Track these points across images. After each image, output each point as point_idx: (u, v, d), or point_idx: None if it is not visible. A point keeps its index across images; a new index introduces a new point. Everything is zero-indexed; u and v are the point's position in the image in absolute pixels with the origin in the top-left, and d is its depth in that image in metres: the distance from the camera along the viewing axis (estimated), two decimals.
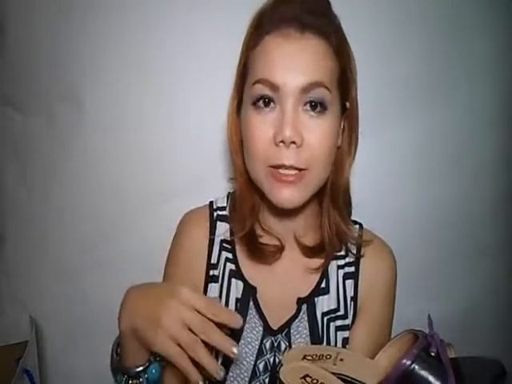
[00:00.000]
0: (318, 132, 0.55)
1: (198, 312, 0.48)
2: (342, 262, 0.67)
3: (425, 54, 0.90)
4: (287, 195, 0.56)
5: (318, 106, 0.55)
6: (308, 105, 0.55)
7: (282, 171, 0.56)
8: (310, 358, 0.54)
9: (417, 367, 0.50)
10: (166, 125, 0.88)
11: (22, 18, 0.86)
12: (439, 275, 0.98)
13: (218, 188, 0.81)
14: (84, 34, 0.85)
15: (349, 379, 0.52)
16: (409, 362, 0.49)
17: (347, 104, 0.61)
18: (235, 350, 0.47)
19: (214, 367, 0.47)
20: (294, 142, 0.54)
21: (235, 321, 0.49)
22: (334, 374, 0.51)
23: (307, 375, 0.50)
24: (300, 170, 0.56)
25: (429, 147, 0.94)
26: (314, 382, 0.50)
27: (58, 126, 0.89)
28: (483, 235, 0.99)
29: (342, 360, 0.54)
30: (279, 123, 0.54)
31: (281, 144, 0.54)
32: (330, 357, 0.55)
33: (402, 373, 0.49)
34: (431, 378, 0.49)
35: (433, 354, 0.50)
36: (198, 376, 0.47)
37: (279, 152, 0.55)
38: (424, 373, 0.50)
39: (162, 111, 0.87)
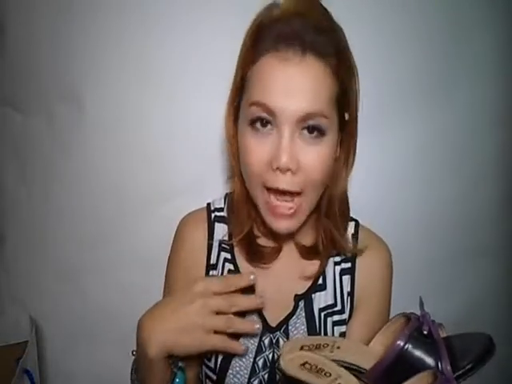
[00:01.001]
0: (314, 157, 0.55)
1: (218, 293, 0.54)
2: (338, 259, 0.68)
3: (425, 53, 0.89)
4: (282, 226, 0.58)
5: (315, 131, 0.55)
6: (305, 130, 0.55)
7: (277, 199, 0.56)
8: (307, 348, 0.55)
9: (410, 347, 0.52)
10: (165, 125, 0.88)
11: (22, 17, 0.85)
12: (440, 275, 0.98)
13: (217, 188, 0.81)
14: (84, 33, 0.85)
15: (346, 365, 0.54)
16: (402, 343, 0.52)
17: (346, 115, 0.59)
18: (260, 300, 0.55)
19: (253, 327, 0.55)
20: (289, 169, 0.54)
21: (247, 280, 0.55)
22: (332, 360, 0.53)
23: (306, 362, 0.52)
24: (294, 193, 0.56)
25: (429, 148, 0.94)
26: (313, 367, 0.51)
27: (57, 125, 0.88)
28: (484, 236, 0.99)
29: (338, 348, 0.56)
30: (276, 149, 0.54)
31: (277, 170, 0.54)
32: (327, 345, 0.56)
33: (397, 354, 0.51)
34: (425, 356, 0.51)
35: (425, 332, 0.52)
36: (242, 346, 0.55)
37: (275, 176, 0.55)
38: (418, 352, 0.52)
39: (161, 111, 0.87)
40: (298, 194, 0.56)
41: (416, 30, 0.88)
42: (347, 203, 0.66)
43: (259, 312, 0.64)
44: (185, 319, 0.52)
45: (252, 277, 0.55)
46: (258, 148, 0.55)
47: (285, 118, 0.53)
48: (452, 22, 0.89)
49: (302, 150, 0.54)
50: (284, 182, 0.55)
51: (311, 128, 0.54)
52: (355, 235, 0.68)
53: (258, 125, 0.55)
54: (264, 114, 0.54)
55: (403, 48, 0.89)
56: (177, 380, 0.56)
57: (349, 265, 0.67)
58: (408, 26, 0.88)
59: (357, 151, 0.66)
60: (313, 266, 0.66)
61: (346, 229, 0.67)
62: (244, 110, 0.58)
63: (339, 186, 0.62)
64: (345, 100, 0.58)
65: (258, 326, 0.55)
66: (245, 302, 0.55)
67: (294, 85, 0.53)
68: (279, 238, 0.66)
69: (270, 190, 0.56)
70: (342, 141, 0.61)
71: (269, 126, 0.55)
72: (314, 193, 0.58)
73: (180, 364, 0.57)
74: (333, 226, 0.64)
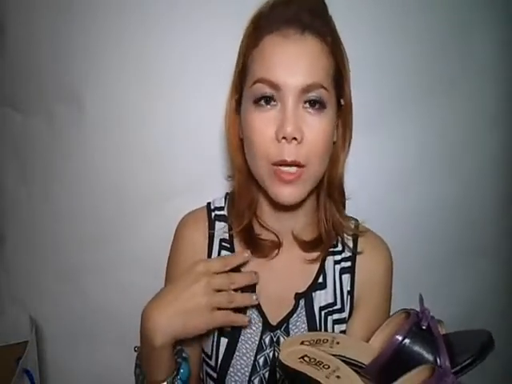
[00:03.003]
0: (316, 128, 0.57)
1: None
2: (338, 258, 0.68)
3: (424, 53, 0.90)
4: (287, 193, 0.59)
5: (316, 104, 0.57)
6: (308, 103, 0.57)
7: (283, 169, 0.57)
8: (307, 343, 0.55)
9: (409, 341, 0.52)
10: (165, 125, 0.88)
11: (22, 17, 0.86)
12: (440, 275, 0.98)
13: (217, 187, 0.81)
14: (84, 34, 0.85)
15: (345, 360, 0.54)
16: (401, 338, 0.52)
17: (342, 101, 0.62)
18: (255, 276, 0.62)
19: (252, 299, 0.61)
20: (295, 138, 0.56)
21: (243, 257, 0.62)
22: (331, 355, 0.52)
23: (305, 355, 0.52)
24: (299, 166, 0.57)
25: (429, 147, 0.94)
26: (312, 360, 0.51)
27: (57, 126, 0.89)
28: (484, 235, 1.00)
29: (338, 343, 0.57)
30: (281, 120, 0.56)
31: (282, 140, 0.56)
32: (327, 341, 0.57)
33: (396, 348, 0.52)
34: (424, 351, 0.52)
35: (424, 327, 0.53)
36: (244, 317, 0.60)
37: (281, 148, 0.56)
38: (416, 347, 0.52)
39: (161, 111, 0.87)
40: (302, 166, 0.58)
41: (415, 29, 0.88)
42: (343, 190, 0.68)
43: (260, 310, 0.65)
44: (191, 301, 0.55)
45: (246, 254, 0.62)
46: (263, 123, 0.57)
47: (288, 91, 0.56)
48: (451, 22, 0.90)
49: (306, 122, 0.57)
50: (289, 153, 0.56)
51: (313, 101, 0.57)
52: (355, 234, 0.68)
53: (262, 102, 0.57)
54: (268, 90, 0.57)
55: (402, 48, 0.89)
56: (181, 370, 0.57)
57: (349, 264, 0.68)
58: (407, 25, 0.88)
59: (356, 151, 0.67)
60: (313, 263, 0.66)
61: (344, 212, 0.69)
62: (247, 91, 0.60)
63: (338, 169, 0.65)
64: (340, 82, 0.61)
65: (255, 297, 0.61)
66: (242, 278, 0.60)
67: (295, 59, 0.56)
68: (280, 231, 0.67)
69: (276, 165, 0.58)
70: (338, 127, 0.64)
71: (272, 102, 0.57)
72: (316, 166, 0.59)
73: (184, 354, 0.58)
74: (334, 208, 0.66)
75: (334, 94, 0.60)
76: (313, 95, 0.57)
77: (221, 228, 0.69)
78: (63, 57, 0.86)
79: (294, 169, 0.57)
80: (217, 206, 0.71)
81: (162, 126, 0.88)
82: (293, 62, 0.56)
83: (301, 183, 0.59)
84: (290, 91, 0.56)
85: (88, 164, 0.89)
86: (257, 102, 0.58)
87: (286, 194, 0.58)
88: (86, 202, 0.91)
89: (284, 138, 0.56)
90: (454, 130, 0.94)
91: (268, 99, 0.57)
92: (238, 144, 0.64)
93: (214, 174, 0.87)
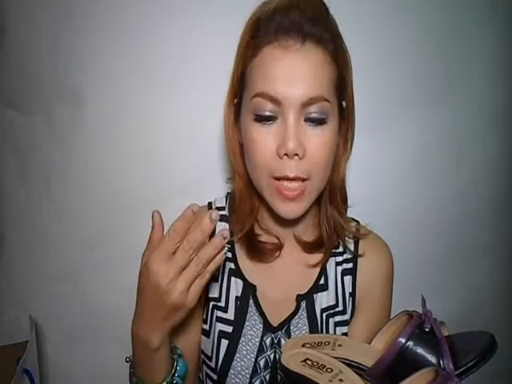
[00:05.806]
0: (319, 142, 0.56)
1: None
2: (340, 259, 0.68)
3: (424, 54, 0.90)
4: (290, 209, 0.58)
5: (319, 117, 0.56)
6: (309, 116, 0.56)
7: (285, 184, 0.56)
8: (309, 345, 0.55)
9: (412, 344, 0.52)
10: (165, 125, 0.88)
11: (22, 18, 0.86)
12: (439, 275, 0.98)
13: (217, 188, 0.81)
14: (84, 34, 0.85)
15: (348, 362, 0.53)
16: (404, 340, 0.52)
17: (344, 103, 0.61)
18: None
19: (220, 236, 0.48)
20: (296, 154, 0.55)
21: (192, 210, 0.48)
22: (333, 358, 0.52)
23: (307, 358, 0.52)
24: (302, 180, 0.56)
25: (428, 147, 0.94)
26: (315, 363, 0.51)
27: (58, 125, 0.89)
28: (483, 235, 1.00)
29: (340, 345, 0.56)
30: (282, 136, 0.55)
31: (284, 156, 0.55)
32: (329, 343, 0.56)
33: (398, 351, 0.51)
34: (427, 353, 0.51)
35: (427, 329, 0.53)
36: (218, 238, 0.48)
37: (282, 164, 0.55)
38: (419, 349, 0.52)
39: (161, 112, 0.87)
40: (305, 180, 0.57)
41: (415, 32, 0.89)
42: (345, 191, 0.67)
43: (260, 312, 0.64)
44: (166, 302, 0.50)
45: (194, 209, 0.48)
46: (264, 138, 0.56)
47: (289, 105, 0.54)
48: (451, 25, 0.90)
49: (307, 136, 0.55)
50: (291, 168, 0.55)
51: (315, 114, 0.55)
52: (356, 235, 0.68)
53: (263, 119, 0.56)
54: (268, 104, 0.55)
55: (402, 50, 0.89)
56: (178, 367, 0.57)
57: (350, 265, 0.67)
58: (407, 28, 0.88)
59: (357, 153, 0.67)
60: (315, 264, 0.66)
61: (346, 215, 0.68)
62: (247, 104, 0.58)
63: (339, 172, 0.64)
64: (342, 87, 0.59)
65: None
66: (203, 227, 0.48)
67: (295, 71, 0.54)
68: (281, 233, 0.66)
69: (277, 179, 0.57)
70: (340, 129, 0.62)
71: (273, 119, 0.56)
72: (319, 178, 0.58)
73: (178, 351, 0.58)
74: (336, 211, 0.65)
75: (337, 101, 0.58)
76: (314, 112, 0.55)
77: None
78: (63, 57, 0.86)
79: (296, 184, 0.56)
80: (218, 206, 0.71)
81: (162, 126, 0.88)
82: (293, 75, 0.54)
83: (303, 198, 0.58)
84: (291, 105, 0.54)
85: (88, 164, 0.89)
86: (257, 118, 0.56)
87: (289, 210, 0.58)
88: (86, 202, 0.91)
89: (286, 154, 0.54)
90: (453, 131, 0.94)
91: (269, 118, 0.56)
92: (238, 150, 0.64)
93: (214, 175, 0.87)
